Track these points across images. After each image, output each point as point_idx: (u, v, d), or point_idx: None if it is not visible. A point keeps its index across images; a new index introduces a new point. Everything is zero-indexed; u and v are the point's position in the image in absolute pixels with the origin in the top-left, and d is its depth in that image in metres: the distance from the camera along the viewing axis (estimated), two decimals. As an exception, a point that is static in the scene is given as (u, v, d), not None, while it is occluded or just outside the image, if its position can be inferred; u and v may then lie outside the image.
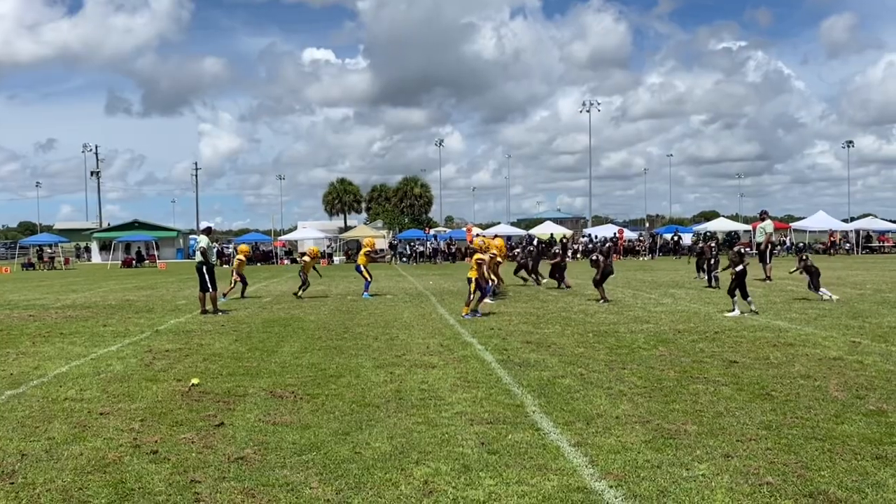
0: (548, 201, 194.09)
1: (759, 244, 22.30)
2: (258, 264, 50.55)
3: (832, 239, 55.05)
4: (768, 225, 21.86)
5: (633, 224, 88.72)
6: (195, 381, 7.54)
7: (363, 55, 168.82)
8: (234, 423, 5.99)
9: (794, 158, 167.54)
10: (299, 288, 18.42)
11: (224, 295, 17.76)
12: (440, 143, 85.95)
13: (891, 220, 70.19)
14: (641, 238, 53.74)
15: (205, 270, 14.43)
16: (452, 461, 4.90)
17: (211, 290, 14.45)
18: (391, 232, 62.40)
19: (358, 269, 18.54)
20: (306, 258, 19.59)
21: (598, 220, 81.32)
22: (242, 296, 18.61)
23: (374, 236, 57.76)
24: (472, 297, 13.43)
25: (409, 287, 22.27)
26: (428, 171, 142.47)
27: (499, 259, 17.62)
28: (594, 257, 16.18)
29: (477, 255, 14.02)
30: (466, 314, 13.11)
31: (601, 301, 15.29)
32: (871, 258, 43.42)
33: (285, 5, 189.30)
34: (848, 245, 53.04)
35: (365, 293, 18.13)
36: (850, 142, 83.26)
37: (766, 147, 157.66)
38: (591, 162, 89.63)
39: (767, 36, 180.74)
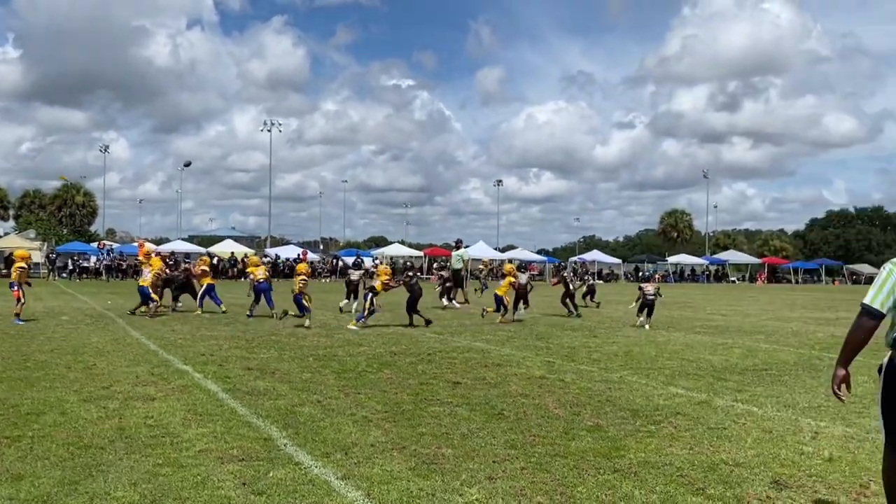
0: (220, 218, 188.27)
1: (455, 270, 23.82)
2: None
3: (490, 266, 61.22)
4: (465, 252, 23.61)
5: (307, 245, 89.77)
6: None
7: (14, 45, 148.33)
8: (-84, 480, 4.78)
9: (451, 192, 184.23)
10: None
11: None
12: (105, 150, 78.56)
13: (533, 251, 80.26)
14: (324, 259, 54.51)
15: None
16: (218, 507, 4.43)
17: None
18: (46, 244, 55.45)
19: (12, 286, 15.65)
20: None
21: (276, 241, 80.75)
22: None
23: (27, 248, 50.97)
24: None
25: (84, 307, 19.95)
26: (88, 178, 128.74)
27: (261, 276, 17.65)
28: (408, 276, 16.35)
29: (509, 278, 17.46)
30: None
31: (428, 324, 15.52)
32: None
33: None
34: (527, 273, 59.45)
35: None
36: (500, 181, 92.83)
37: (429, 180, 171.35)
38: (271, 182, 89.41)
39: (432, 78, 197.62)
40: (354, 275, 20.81)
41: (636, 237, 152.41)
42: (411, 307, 15.83)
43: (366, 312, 15.11)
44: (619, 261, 72.72)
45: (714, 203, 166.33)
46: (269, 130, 74.31)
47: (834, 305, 27.96)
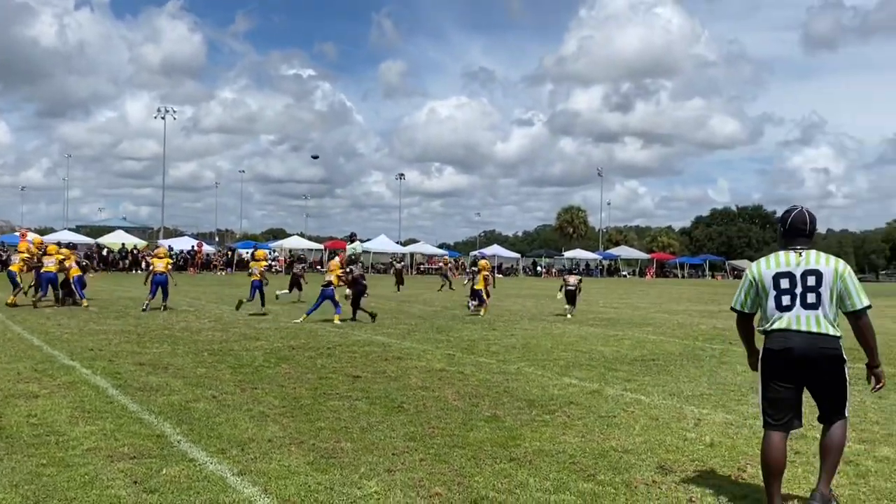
0: (110, 208, 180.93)
1: None
2: None
3: (450, 265, 61.46)
4: (358, 246, 23.60)
5: (202, 237, 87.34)
6: None
7: None
8: None
9: (352, 185, 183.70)
10: None
11: None
12: (-16, 133, 73.83)
13: (435, 245, 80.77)
14: (220, 251, 53.13)
15: None
16: (107, 507, 4.29)
17: None
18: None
19: None
20: None
21: (169, 232, 78.01)
22: None
23: None
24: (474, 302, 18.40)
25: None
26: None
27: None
28: (349, 269, 16.18)
29: (483, 272, 19.01)
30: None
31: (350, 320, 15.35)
32: (423, 279, 49.22)
33: None
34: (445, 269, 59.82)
35: None
36: (402, 174, 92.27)
37: (330, 172, 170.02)
38: (164, 170, 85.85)
39: (334, 69, 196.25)
40: (297, 268, 22.58)
41: (534, 232, 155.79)
42: (355, 302, 15.80)
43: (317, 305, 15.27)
44: (518, 255, 74.20)
45: (607, 200, 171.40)
46: (162, 118, 71.44)
47: (716, 299, 29.46)
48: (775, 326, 4.41)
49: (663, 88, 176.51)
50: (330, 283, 15.23)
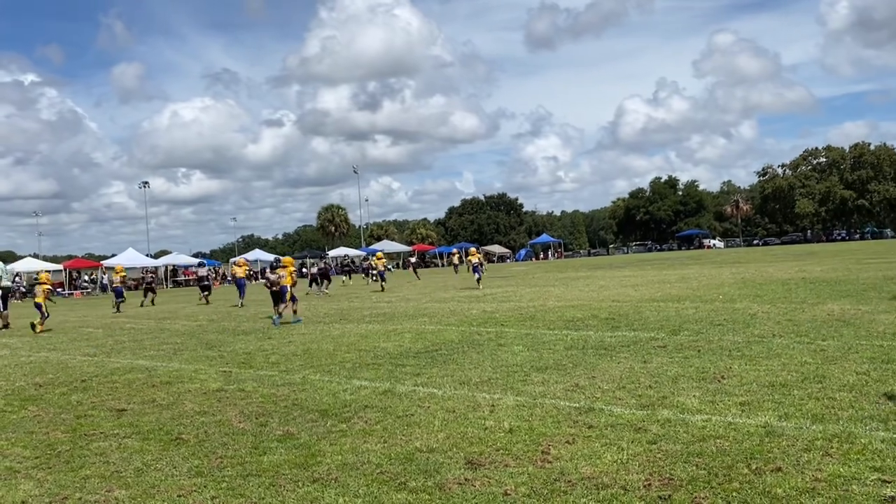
0: None
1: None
2: None
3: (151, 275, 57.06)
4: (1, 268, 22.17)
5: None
6: None
7: None
8: None
9: (90, 197, 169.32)
10: None
11: None
12: None
13: (190, 255, 76.73)
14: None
15: None
16: None
17: None
18: None
19: None
20: None
21: None
22: None
23: None
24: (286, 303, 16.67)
25: None
26: None
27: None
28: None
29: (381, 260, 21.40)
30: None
31: None
32: (181, 291, 46.35)
33: None
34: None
35: None
36: (146, 182, 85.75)
37: (63, 185, 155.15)
38: None
39: (60, 74, 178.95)
40: (149, 278, 26.41)
41: (296, 233, 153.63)
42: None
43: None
44: (281, 258, 72.54)
45: (365, 197, 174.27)
46: None
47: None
48: None
49: (407, 87, 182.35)
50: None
